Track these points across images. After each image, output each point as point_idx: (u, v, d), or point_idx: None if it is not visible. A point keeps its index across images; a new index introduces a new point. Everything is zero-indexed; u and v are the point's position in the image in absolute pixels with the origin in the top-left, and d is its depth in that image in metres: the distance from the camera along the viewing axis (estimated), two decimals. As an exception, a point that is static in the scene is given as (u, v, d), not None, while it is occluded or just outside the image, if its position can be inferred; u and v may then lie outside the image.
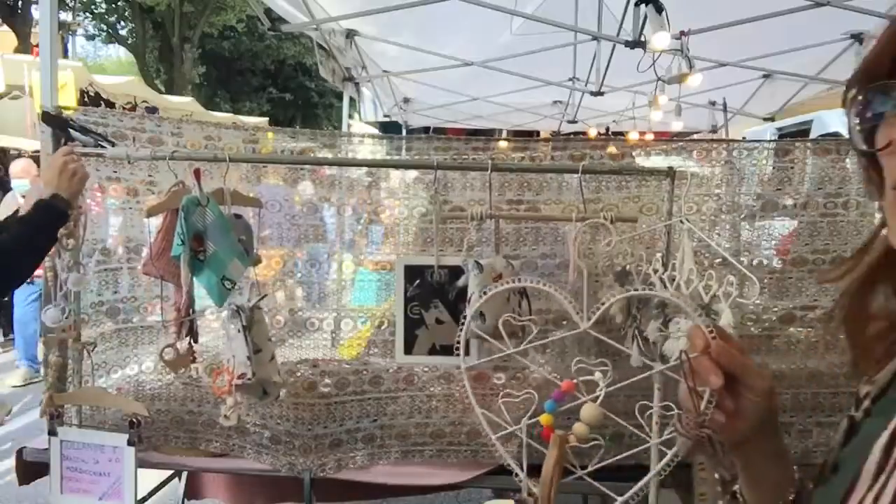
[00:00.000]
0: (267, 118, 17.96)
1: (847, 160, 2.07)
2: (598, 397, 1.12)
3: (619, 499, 1.09)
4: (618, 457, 1.19)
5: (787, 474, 0.81)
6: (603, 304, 1.08)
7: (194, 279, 1.76)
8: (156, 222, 1.94)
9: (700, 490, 0.78)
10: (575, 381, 1.15)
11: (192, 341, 1.97)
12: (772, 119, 6.59)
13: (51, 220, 1.78)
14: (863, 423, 0.71)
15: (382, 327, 2.08)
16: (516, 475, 1.11)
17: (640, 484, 1.07)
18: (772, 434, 0.79)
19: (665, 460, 1.04)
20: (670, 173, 1.87)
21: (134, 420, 1.95)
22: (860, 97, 0.64)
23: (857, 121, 0.65)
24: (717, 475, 0.85)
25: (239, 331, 1.73)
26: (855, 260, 0.74)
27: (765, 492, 0.81)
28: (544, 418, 1.07)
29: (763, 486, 0.81)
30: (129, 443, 1.90)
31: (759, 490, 0.81)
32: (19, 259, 1.77)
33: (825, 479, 0.71)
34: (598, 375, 1.15)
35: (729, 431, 0.76)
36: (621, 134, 7.41)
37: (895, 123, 0.61)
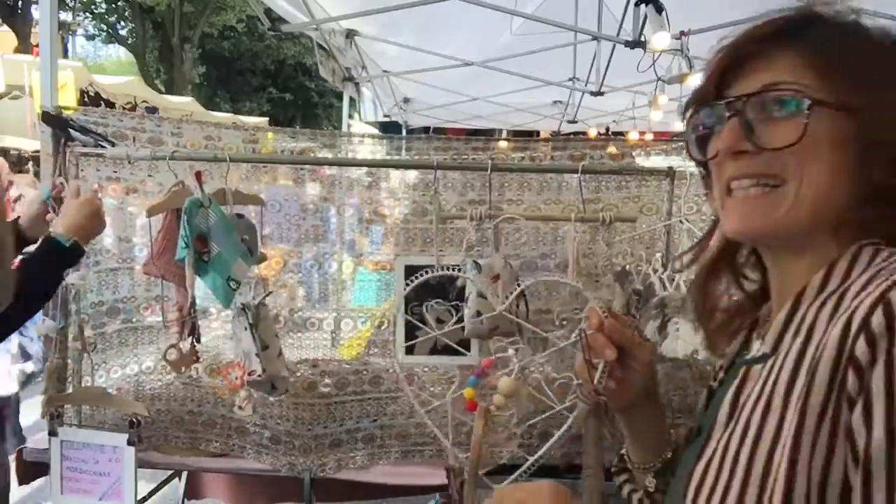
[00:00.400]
0: (267, 118, 17.96)
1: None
2: (512, 371, 1.23)
3: (529, 462, 1.15)
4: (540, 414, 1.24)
5: (664, 436, 0.96)
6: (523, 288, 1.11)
7: (199, 280, 1.76)
8: (155, 222, 1.94)
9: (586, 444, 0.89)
10: (493, 358, 1.31)
11: (194, 341, 1.97)
12: (772, 119, 6.58)
13: (65, 265, 1.69)
14: (718, 390, 0.84)
15: (382, 327, 2.08)
16: (443, 446, 1.19)
17: (550, 443, 1.13)
18: (652, 400, 0.95)
19: (568, 424, 1.10)
20: (670, 173, 1.87)
21: (134, 420, 1.95)
22: (694, 116, 0.79)
23: (693, 135, 0.79)
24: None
25: (246, 328, 1.74)
26: (697, 251, 0.89)
27: (647, 451, 0.96)
28: (467, 392, 1.15)
29: (646, 446, 0.96)
30: (129, 442, 1.90)
31: (642, 449, 0.96)
32: (32, 301, 1.66)
33: (692, 439, 0.83)
34: (511, 352, 1.24)
35: (618, 397, 0.92)
36: (621, 134, 7.41)
37: (721, 137, 0.74)
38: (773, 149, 0.70)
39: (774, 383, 0.67)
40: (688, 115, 0.81)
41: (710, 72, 0.77)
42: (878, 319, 0.59)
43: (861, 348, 0.59)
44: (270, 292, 1.91)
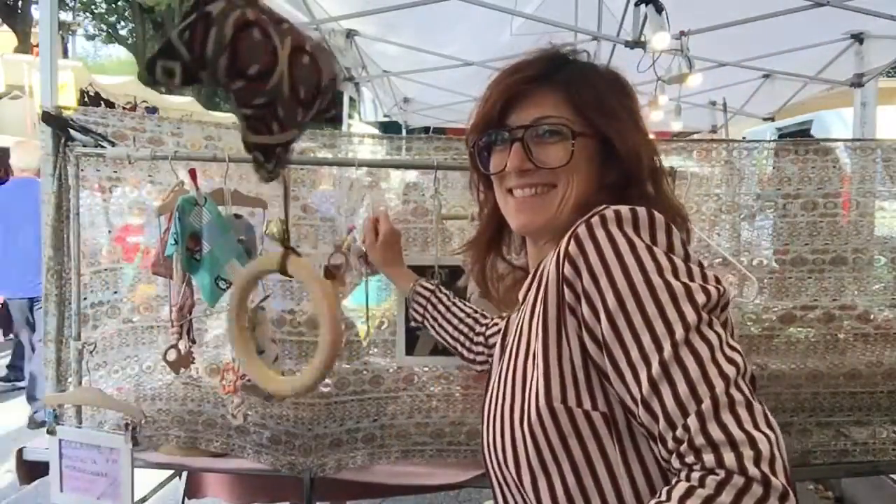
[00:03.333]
0: (267, 118, 17.86)
1: (848, 160, 2.07)
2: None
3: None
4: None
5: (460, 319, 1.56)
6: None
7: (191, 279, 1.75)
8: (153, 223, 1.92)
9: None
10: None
11: (191, 342, 1.96)
12: (772, 119, 6.59)
13: None
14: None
15: (382, 327, 2.08)
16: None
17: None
18: (399, 261, 1.71)
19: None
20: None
21: (131, 422, 1.92)
22: (480, 140, 1.06)
23: (479, 154, 1.07)
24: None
25: (240, 332, 1.73)
26: (476, 237, 1.20)
27: (447, 328, 1.57)
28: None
29: (401, 287, 1.68)
30: (129, 442, 1.87)
31: (441, 326, 1.59)
32: None
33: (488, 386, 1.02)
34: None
35: (375, 253, 1.68)
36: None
37: (506, 156, 1.00)
38: (551, 168, 0.97)
39: (523, 318, 0.92)
40: (471, 139, 1.07)
41: (490, 106, 1.02)
42: (573, 247, 0.83)
43: (567, 269, 0.83)
44: (268, 295, 1.90)
